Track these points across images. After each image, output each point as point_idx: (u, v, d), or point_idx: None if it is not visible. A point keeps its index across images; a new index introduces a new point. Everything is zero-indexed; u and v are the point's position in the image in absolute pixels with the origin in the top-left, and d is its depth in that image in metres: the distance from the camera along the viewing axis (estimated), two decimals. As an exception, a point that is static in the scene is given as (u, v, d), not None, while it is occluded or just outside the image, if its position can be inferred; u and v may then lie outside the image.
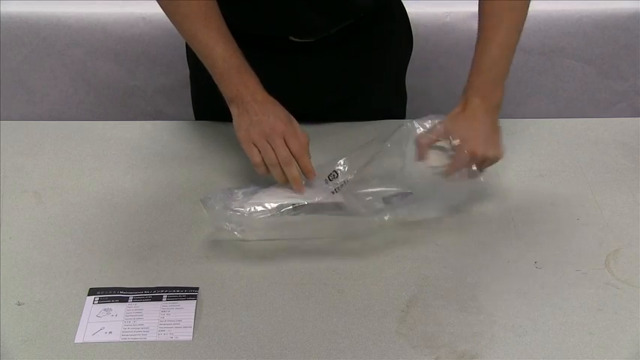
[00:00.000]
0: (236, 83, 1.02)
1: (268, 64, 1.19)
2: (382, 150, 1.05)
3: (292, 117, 1.03)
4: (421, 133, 1.02)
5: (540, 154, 1.21)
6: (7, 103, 1.76)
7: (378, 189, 1.04)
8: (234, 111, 1.03)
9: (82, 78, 1.76)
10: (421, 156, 1.01)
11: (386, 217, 0.98)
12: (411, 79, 1.38)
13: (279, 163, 0.99)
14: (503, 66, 1.04)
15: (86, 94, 1.78)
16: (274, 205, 1.02)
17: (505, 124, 1.29)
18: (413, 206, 1.00)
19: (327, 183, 1.04)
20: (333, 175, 1.05)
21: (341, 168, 1.05)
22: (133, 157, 1.20)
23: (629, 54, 1.74)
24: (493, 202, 1.09)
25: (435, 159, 1.02)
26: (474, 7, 1.68)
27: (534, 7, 1.68)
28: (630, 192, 1.12)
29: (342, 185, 1.03)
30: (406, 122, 1.08)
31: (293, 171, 0.99)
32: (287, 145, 0.99)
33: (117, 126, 1.29)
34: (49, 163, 1.18)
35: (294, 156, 0.99)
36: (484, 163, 1.01)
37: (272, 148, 0.99)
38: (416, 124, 1.08)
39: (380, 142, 1.06)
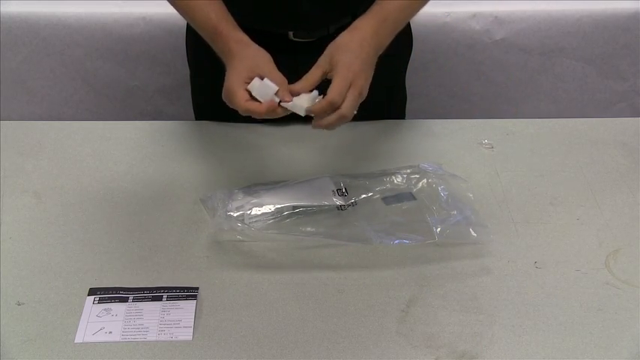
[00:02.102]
0: (215, 47, 1.02)
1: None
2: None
3: (258, 60, 0.99)
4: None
5: (540, 154, 1.21)
6: (7, 103, 1.76)
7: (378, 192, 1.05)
8: None
9: (82, 78, 1.76)
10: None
11: (392, 243, 0.97)
12: (411, 79, 1.38)
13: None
14: (401, 22, 1.03)
15: (86, 94, 1.78)
16: (274, 206, 1.02)
17: (505, 124, 1.29)
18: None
19: (333, 195, 1.04)
20: (342, 192, 1.05)
21: (352, 187, 1.05)
22: (133, 157, 1.20)
23: (629, 54, 1.74)
24: (493, 202, 1.09)
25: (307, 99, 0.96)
26: (474, 7, 1.70)
27: (534, 7, 1.70)
28: (630, 192, 1.12)
29: (349, 205, 1.03)
30: (416, 166, 1.10)
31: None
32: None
33: (117, 126, 1.29)
34: (49, 163, 1.18)
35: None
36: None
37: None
38: (422, 166, 1.10)
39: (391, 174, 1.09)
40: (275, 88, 0.93)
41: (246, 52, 0.98)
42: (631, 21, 1.69)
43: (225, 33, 1.00)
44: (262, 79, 0.94)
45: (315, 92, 0.95)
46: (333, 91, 0.92)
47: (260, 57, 0.98)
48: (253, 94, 0.93)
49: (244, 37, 1.01)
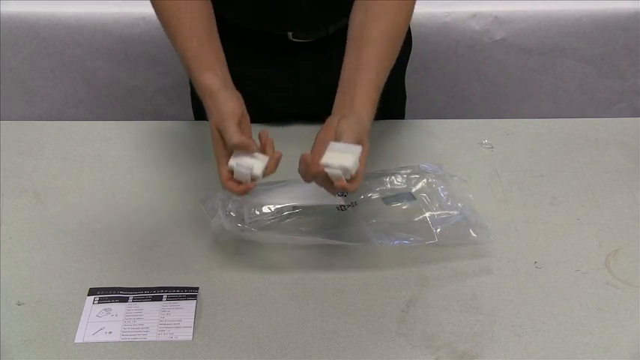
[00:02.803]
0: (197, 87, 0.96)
1: (268, 65, 1.20)
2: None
3: (225, 116, 0.90)
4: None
5: (540, 154, 1.21)
6: (7, 103, 1.76)
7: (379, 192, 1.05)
8: None
9: (82, 78, 1.76)
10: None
11: (392, 243, 0.97)
12: (411, 79, 1.38)
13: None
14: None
15: (86, 94, 1.78)
16: (274, 207, 1.02)
17: (505, 124, 1.29)
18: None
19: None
20: (342, 193, 1.05)
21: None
22: (133, 157, 1.20)
23: (629, 54, 1.74)
24: (493, 202, 1.09)
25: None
26: (474, 7, 1.69)
27: (534, 7, 1.70)
28: (630, 192, 1.12)
29: (349, 206, 1.03)
30: (415, 166, 1.09)
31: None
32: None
33: (117, 126, 1.29)
34: (49, 163, 1.18)
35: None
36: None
37: None
38: (422, 167, 1.09)
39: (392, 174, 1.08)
40: (250, 170, 0.87)
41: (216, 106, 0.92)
42: (631, 21, 1.69)
43: (197, 77, 0.95)
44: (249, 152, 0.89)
45: (358, 148, 0.86)
46: (361, 175, 0.87)
47: (225, 109, 0.91)
48: (234, 176, 0.88)
49: (214, 83, 0.94)
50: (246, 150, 0.87)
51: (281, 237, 0.99)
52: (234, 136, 0.87)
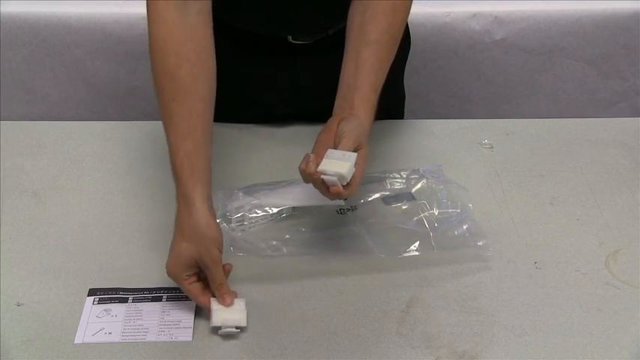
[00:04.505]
0: (178, 193, 0.90)
1: (268, 66, 1.19)
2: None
3: (208, 246, 0.87)
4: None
5: (540, 154, 1.21)
6: (7, 103, 1.76)
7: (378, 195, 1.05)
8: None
9: (82, 78, 1.76)
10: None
11: (399, 256, 0.97)
12: (411, 79, 1.38)
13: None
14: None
15: (86, 94, 1.78)
16: (275, 209, 1.02)
17: (505, 124, 1.29)
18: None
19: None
20: None
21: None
22: (133, 157, 1.20)
23: (629, 54, 1.74)
24: (493, 202, 1.09)
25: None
26: (474, 7, 1.69)
27: (534, 7, 1.69)
28: (630, 192, 1.12)
29: (349, 209, 1.03)
30: (416, 169, 1.10)
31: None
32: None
33: (117, 126, 1.29)
34: (49, 163, 1.18)
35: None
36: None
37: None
38: (422, 171, 1.09)
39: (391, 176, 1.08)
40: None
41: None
42: (631, 21, 1.69)
43: (184, 184, 0.89)
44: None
45: (354, 155, 0.87)
46: (359, 177, 0.87)
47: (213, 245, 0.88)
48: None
49: (201, 202, 0.88)
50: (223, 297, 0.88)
51: (281, 236, 0.98)
52: (222, 278, 0.88)
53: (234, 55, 1.18)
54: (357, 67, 0.95)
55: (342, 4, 1.03)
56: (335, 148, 0.88)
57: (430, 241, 0.97)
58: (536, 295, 0.93)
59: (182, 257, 0.87)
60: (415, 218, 1.01)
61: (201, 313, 0.90)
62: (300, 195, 1.04)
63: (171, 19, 0.93)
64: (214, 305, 0.87)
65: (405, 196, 1.05)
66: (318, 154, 0.87)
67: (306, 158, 0.87)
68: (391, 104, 1.34)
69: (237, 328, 0.87)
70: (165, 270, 0.90)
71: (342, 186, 0.85)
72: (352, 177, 0.86)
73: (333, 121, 0.92)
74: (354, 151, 0.88)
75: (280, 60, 1.19)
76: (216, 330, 0.87)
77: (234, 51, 1.18)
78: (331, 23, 1.14)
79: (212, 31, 0.94)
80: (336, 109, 0.95)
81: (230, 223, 0.97)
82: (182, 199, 0.89)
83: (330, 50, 1.16)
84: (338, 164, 0.85)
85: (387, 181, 1.07)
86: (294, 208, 1.03)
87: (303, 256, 0.97)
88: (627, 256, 0.99)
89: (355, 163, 0.86)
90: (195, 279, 0.89)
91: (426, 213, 1.02)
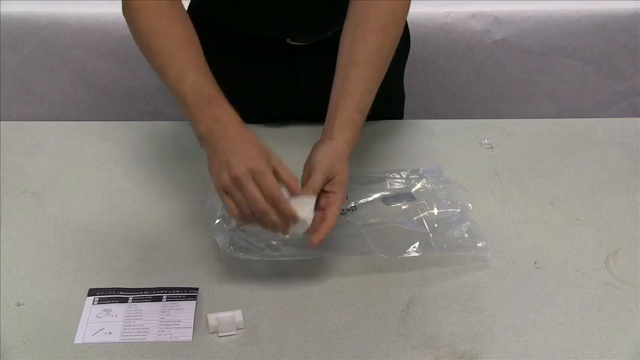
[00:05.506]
0: (205, 118, 0.90)
1: (267, 67, 1.20)
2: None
3: (269, 151, 0.90)
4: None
5: (540, 154, 1.21)
6: (7, 103, 1.76)
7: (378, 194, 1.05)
8: (206, 152, 0.90)
9: (82, 78, 1.76)
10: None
11: (399, 257, 0.96)
12: (411, 79, 1.38)
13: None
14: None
15: (86, 94, 1.78)
16: None
17: (505, 124, 1.29)
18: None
19: None
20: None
21: (352, 189, 1.04)
22: (133, 157, 1.20)
23: (629, 54, 1.74)
24: (493, 202, 1.09)
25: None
26: (474, 7, 1.69)
27: (534, 7, 1.70)
28: (630, 192, 1.12)
29: (349, 210, 1.03)
30: (416, 170, 1.10)
31: (271, 219, 0.85)
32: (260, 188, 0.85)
33: (117, 126, 1.29)
34: (49, 163, 1.18)
35: (268, 199, 0.85)
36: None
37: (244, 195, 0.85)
38: (422, 172, 1.09)
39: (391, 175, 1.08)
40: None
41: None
42: (631, 21, 1.69)
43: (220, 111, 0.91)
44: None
45: (312, 200, 0.89)
46: (337, 207, 0.90)
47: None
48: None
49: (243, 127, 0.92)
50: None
51: (281, 236, 0.98)
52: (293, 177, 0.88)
53: (233, 56, 1.18)
54: (343, 87, 0.97)
55: (340, 8, 1.03)
56: (308, 178, 0.90)
57: (430, 241, 0.97)
58: (536, 295, 0.93)
59: (259, 148, 0.88)
60: (415, 218, 1.01)
61: (201, 313, 0.90)
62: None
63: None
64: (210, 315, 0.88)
65: (405, 196, 1.05)
66: (304, 181, 0.91)
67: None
68: (391, 104, 1.34)
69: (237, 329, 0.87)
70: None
71: (310, 229, 0.88)
72: (322, 216, 0.89)
73: (316, 145, 0.95)
74: (328, 180, 0.90)
75: (279, 61, 1.19)
76: (215, 330, 0.87)
77: (232, 52, 1.18)
78: (329, 25, 1.14)
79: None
80: (322, 133, 0.97)
81: (230, 223, 0.97)
82: (219, 111, 0.91)
83: (328, 51, 1.16)
84: (300, 208, 0.87)
85: (387, 181, 1.07)
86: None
87: (303, 256, 0.97)
88: (627, 256, 0.99)
89: (316, 207, 0.89)
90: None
91: (425, 213, 1.01)
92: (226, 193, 0.86)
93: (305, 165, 0.94)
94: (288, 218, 0.86)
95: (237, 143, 0.88)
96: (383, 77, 1.00)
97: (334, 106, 0.96)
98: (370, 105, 0.98)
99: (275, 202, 0.85)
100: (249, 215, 0.86)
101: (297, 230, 0.88)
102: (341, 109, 0.95)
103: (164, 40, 0.96)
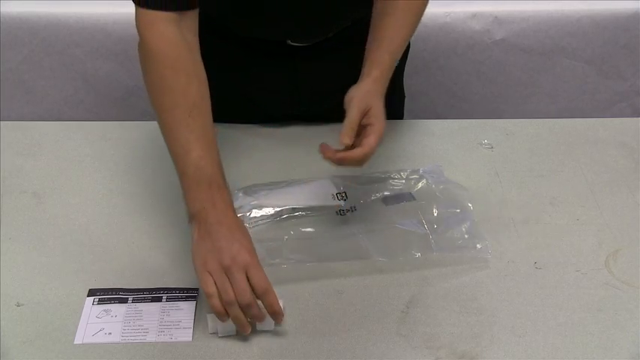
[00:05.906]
0: (203, 199, 0.88)
1: (268, 68, 1.19)
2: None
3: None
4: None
5: (540, 154, 1.21)
6: (7, 103, 1.76)
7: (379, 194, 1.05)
8: (194, 231, 0.88)
9: (82, 78, 1.76)
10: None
11: (401, 258, 0.97)
12: (411, 79, 1.38)
13: (238, 302, 0.83)
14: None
15: (86, 94, 1.78)
16: (274, 209, 1.02)
17: (505, 124, 1.29)
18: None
19: (333, 198, 1.04)
20: (342, 196, 1.05)
21: (352, 189, 1.05)
22: (133, 157, 1.20)
23: (629, 54, 1.74)
24: (493, 202, 1.09)
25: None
26: (474, 7, 1.69)
27: (534, 7, 1.69)
28: (630, 192, 1.12)
29: (349, 211, 1.03)
30: (417, 170, 1.10)
31: (254, 311, 0.84)
32: (249, 281, 0.84)
33: (117, 126, 1.29)
34: (49, 164, 1.18)
35: (256, 293, 0.84)
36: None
37: (231, 284, 0.83)
38: (422, 172, 1.10)
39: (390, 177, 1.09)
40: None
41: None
42: (631, 21, 1.69)
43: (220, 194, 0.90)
44: None
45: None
46: (374, 138, 0.92)
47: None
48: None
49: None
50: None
51: (281, 236, 0.99)
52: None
53: (234, 57, 1.18)
54: (372, 39, 1.00)
55: (340, 9, 1.03)
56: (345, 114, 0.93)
57: (430, 242, 0.97)
58: (536, 295, 0.93)
59: (251, 243, 0.88)
60: (415, 219, 1.01)
61: (201, 313, 0.90)
62: (299, 195, 1.04)
63: (172, 35, 0.95)
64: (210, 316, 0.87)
65: (405, 196, 1.05)
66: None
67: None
68: (391, 104, 1.34)
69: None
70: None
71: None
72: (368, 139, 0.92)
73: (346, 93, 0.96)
74: (364, 113, 0.93)
75: (280, 62, 1.19)
76: (215, 331, 0.87)
77: (233, 53, 1.18)
78: (330, 27, 1.14)
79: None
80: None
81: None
82: (219, 196, 0.89)
83: (329, 52, 1.16)
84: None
85: (387, 182, 1.07)
86: (293, 209, 1.03)
87: (303, 257, 0.97)
88: (627, 256, 0.99)
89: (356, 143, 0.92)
90: None
91: (426, 213, 1.02)
92: (210, 274, 0.85)
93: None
94: (275, 315, 0.86)
95: (234, 232, 0.87)
96: (414, 29, 1.04)
97: (366, 53, 1.00)
98: (402, 47, 1.02)
99: (265, 293, 0.84)
100: (228, 302, 0.83)
101: (270, 323, 0.87)
102: (371, 53, 0.99)
103: (179, 99, 0.93)
